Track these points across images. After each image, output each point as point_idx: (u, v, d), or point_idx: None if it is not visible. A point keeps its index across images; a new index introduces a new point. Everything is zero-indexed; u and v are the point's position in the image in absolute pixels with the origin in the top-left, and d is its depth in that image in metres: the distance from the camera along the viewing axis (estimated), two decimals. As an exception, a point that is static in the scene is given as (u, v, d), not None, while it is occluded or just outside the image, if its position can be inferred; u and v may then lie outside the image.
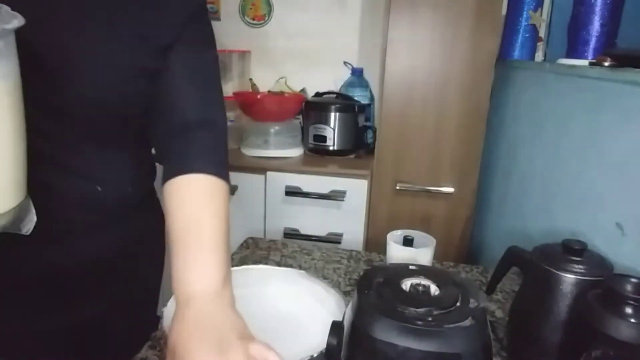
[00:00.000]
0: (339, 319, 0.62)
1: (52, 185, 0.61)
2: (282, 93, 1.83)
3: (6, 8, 0.45)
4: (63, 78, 0.55)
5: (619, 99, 0.77)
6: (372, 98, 1.85)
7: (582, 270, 0.63)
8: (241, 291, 0.77)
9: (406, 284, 0.59)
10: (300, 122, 1.79)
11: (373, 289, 0.58)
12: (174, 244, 0.56)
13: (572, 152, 0.92)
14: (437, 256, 0.90)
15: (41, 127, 0.55)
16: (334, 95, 1.80)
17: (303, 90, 1.97)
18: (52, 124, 0.58)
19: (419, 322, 0.51)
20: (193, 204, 0.58)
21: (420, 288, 0.59)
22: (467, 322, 0.52)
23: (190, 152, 0.61)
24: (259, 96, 1.75)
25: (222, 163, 0.62)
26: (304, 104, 1.73)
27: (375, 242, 1.48)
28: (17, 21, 0.45)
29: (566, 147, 0.96)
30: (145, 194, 0.78)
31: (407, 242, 0.86)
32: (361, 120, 1.73)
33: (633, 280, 0.56)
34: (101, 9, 0.55)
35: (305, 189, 1.55)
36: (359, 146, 1.72)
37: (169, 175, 0.60)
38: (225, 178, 0.61)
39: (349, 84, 1.85)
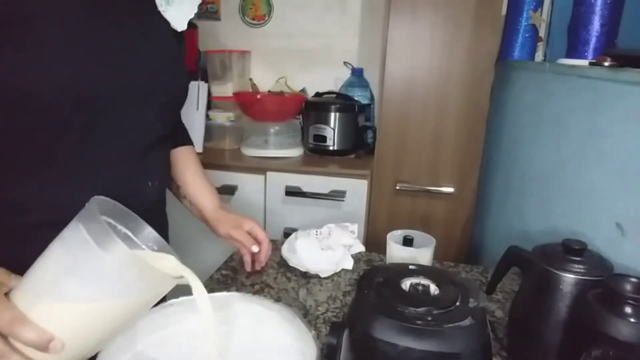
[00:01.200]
0: (288, 333, 0.63)
1: (108, 179, 0.68)
2: (282, 93, 1.83)
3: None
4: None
5: (619, 99, 0.77)
6: (372, 98, 1.85)
7: (582, 270, 0.63)
8: (161, 333, 0.65)
9: (406, 284, 0.59)
10: (300, 122, 1.79)
11: (373, 289, 0.58)
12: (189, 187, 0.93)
13: (572, 152, 0.92)
14: (437, 256, 0.90)
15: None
16: (334, 95, 1.80)
17: (303, 90, 1.97)
18: (132, 129, 0.69)
19: (419, 322, 0.51)
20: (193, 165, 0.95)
21: (420, 288, 0.59)
22: (467, 322, 0.52)
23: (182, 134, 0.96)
24: (259, 96, 1.75)
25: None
26: (304, 104, 1.73)
27: (375, 242, 1.48)
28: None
29: (566, 147, 0.95)
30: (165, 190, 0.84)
31: (407, 242, 0.86)
32: (361, 120, 1.73)
33: (633, 280, 0.56)
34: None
35: (305, 189, 1.55)
36: (359, 146, 1.72)
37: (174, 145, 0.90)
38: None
39: (349, 84, 1.85)
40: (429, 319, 0.52)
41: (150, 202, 0.76)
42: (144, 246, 0.58)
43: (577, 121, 0.91)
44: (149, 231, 0.59)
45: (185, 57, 0.82)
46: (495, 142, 1.45)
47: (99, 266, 0.46)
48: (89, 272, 0.47)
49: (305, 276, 0.94)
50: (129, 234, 0.57)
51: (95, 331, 0.50)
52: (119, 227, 0.56)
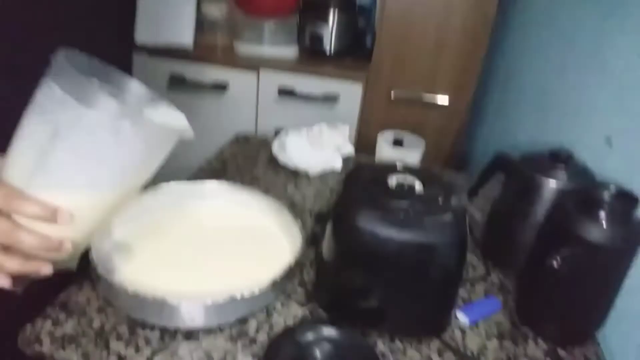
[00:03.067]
0: (275, 222, 0.67)
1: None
2: (279, -15, 1.71)
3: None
4: None
5: (629, 9, 0.74)
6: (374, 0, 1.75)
7: (564, 177, 0.64)
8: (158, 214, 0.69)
9: (392, 181, 0.60)
10: (297, 21, 1.70)
11: (360, 183, 0.59)
12: None
13: (575, 62, 0.90)
14: (425, 163, 0.91)
15: None
16: (334, -8, 1.69)
17: (302, -15, 1.84)
18: None
19: (401, 215, 0.53)
20: None
21: (406, 185, 0.60)
22: (447, 217, 0.54)
23: None
24: (254, -13, 1.64)
25: None
26: (301, -1, 1.63)
27: (366, 147, 1.49)
28: None
29: (569, 58, 0.93)
30: None
31: (397, 142, 0.87)
32: (361, 22, 1.65)
33: (611, 187, 0.58)
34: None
35: (298, 90, 1.52)
36: (356, 49, 1.66)
37: None
38: None
39: (351, -19, 1.74)
40: (411, 212, 0.54)
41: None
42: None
43: (584, 32, 0.88)
44: (136, 86, 0.51)
45: None
46: (498, 52, 1.41)
47: (88, 126, 0.40)
48: (77, 136, 0.41)
49: (294, 173, 0.95)
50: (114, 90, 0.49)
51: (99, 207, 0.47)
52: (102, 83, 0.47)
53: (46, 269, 0.45)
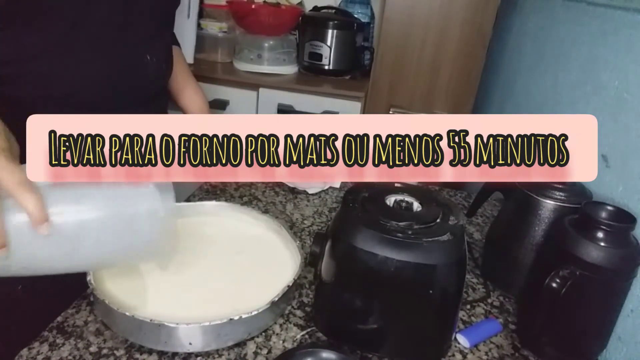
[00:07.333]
0: (274, 242, 0.67)
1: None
2: (278, 4, 1.74)
3: None
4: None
5: (624, 29, 0.75)
6: (372, 17, 1.77)
7: (562, 197, 0.65)
8: None
9: (390, 200, 0.61)
10: (295, 38, 1.72)
11: (358, 203, 0.59)
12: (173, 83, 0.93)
13: (570, 83, 0.91)
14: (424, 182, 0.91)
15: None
16: (333, 11, 1.72)
17: (300, 4, 1.87)
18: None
19: (399, 235, 0.53)
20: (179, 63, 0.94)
21: (404, 204, 0.60)
22: (445, 237, 0.53)
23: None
24: (253, 6, 1.66)
25: None
26: (300, 17, 1.65)
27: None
28: None
29: (564, 78, 0.94)
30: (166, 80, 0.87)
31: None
32: (359, 40, 1.67)
33: (609, 207, 0.58)
34: None
35: (297, 108, 1.53)
36: (355, 67, 1.68)
37: None
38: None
39: (349, 0, 1.76)
40: (410, 232, 0.54)
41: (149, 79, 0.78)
42: None
43: (579, 51, 0.89)
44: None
45: None
46: (494, 71, 1.42)
47: None
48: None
49: (293, 192, 0.95)
50: None
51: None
52: None
53: None
